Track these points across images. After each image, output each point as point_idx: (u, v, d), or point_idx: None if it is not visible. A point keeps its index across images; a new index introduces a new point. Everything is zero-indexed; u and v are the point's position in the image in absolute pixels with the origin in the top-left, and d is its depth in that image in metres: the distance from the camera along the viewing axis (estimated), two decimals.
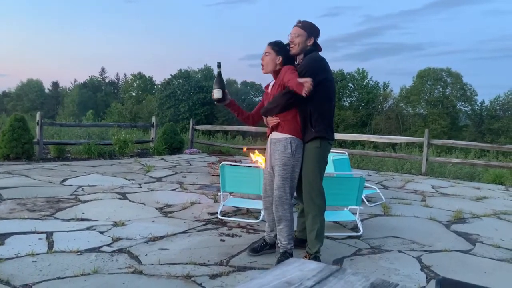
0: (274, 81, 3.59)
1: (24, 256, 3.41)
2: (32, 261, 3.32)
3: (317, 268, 1.23)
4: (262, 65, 3.55)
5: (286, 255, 3.48)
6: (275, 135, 3.52)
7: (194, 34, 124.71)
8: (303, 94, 2.95)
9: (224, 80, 3.64)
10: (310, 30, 3.45)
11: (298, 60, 3.54)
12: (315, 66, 3.38)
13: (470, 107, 54.09)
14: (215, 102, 3.63)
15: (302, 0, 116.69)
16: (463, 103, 54.34)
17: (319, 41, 3.55)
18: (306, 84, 2.92)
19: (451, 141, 11.53)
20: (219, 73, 3.56)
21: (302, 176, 3.51)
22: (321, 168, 3.51)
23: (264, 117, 3.64)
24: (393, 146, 15.82)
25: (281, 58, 3.46)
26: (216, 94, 3.56)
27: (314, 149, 3.44)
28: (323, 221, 3.52)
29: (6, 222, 4.32)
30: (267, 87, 3.71)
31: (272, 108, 3.45)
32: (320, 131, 3.41)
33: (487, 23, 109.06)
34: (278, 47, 3.49)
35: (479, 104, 53.51)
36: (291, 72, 3.26)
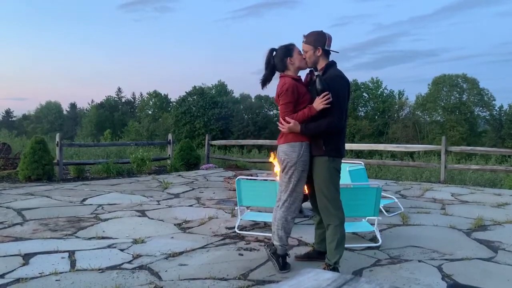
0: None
1: (48, 275, 3.49)
2: (56, 280, 3.39)
3: (332, 277, 1.25)
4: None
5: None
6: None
7: (206, 50, 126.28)
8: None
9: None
10: (314, 42, 3.54)
11: (316, 72, 3.58)
12: (340, 86, 3.48)
13: (488, 112, 53.24)
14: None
15: (310, 12, 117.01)
16: (481, 108, 53.56)
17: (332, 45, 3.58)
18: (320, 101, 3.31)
19: (469, 148, 11.36)
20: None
21: (317, 190, 3.54)
22: (334, 180, 3.54)
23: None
24: (411, 154, 15.60)
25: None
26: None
27: (324, 162, 3.49)
28: (343, 231, 3.55)
29: (29, 242, 4.43)
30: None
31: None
32: (330, 150, 3.48)
33: (501, 25, 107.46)
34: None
35: (498, 109, 52.71)
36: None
